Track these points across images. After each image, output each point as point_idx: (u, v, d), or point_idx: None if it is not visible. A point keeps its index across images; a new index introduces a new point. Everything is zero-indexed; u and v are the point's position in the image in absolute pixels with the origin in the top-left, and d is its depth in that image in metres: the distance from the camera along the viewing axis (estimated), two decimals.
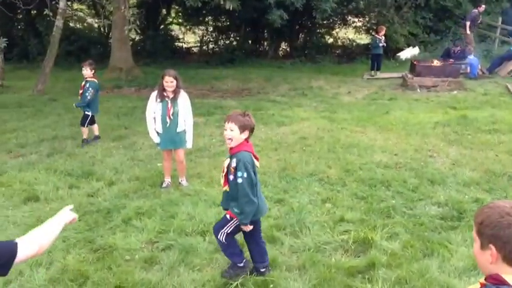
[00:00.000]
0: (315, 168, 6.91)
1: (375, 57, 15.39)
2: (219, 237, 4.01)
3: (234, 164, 3.79)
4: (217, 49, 23.17)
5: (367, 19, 21.70)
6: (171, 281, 4.08)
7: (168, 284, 4.04)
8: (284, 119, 9.90)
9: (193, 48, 24.40)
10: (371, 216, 5.34)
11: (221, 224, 4.03)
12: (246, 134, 3.82)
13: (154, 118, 6.07)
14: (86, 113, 8.34)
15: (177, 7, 22.59)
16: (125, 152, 7.92)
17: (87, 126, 8.41)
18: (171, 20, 24.12)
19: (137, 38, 22.10)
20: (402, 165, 7.02)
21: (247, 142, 3.91)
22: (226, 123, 3.83)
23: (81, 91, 8.30)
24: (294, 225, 5.07)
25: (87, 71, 8.22)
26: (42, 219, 5.30)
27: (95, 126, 8.61)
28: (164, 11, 23.19)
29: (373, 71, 15.38)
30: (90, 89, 8.17)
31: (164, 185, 6.32)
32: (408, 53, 16.44)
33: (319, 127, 9.26)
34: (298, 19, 20.33)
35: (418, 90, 12.93)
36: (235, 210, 3.85)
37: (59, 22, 13.33)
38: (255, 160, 3.90)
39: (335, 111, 10.88)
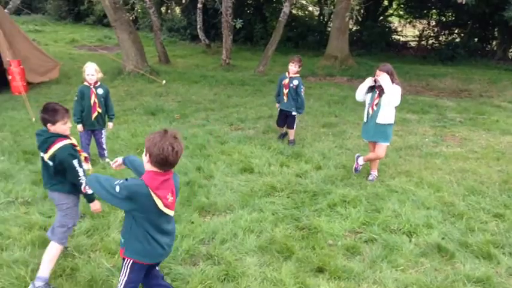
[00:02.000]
0: None
1: None
2: None
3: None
4: (437, 45, 21.91)
5: None
6: (373, 275, 4.01)
7: (369, 277, 3.99)
8: (510, 127, 8.90)
9: (410, 43, 23.51)
10: None
11: None
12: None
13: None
14: (294, 113, 7.55)
15: None
16: (334, 139, 8.03)
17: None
18: (391, 11, 23.54)
19: (354, 28, 22.15)
20: None
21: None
22: None
23: (286, 90, 7.47)
24: None
25: (295, 68, 7.39)
26: (255, 189, 5.73)
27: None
28: (386, 2, 22.74)
29: None
30: (302, 86, 7.46)
31: (370, 177, 6.23)
32: None
33: None
34: None
35: None
36: None
37: (286, 9, 14.09)
38: None
39: None
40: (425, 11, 21.87)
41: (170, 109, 9.73)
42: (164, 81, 11.59)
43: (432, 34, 22.66)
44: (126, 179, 2.89)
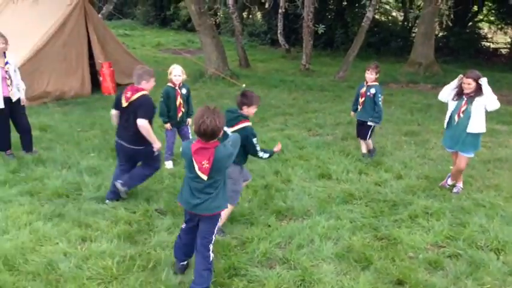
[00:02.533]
0: None
1: None
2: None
3: None
4: None
5: None
6: None
7: None
8: None
9: (501, 50, 22.20)
10: None
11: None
12: None
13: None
14: (371, 123, 7.06)
15: (491, 4, 20.79)
16: (416, 149, 7.75)
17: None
18: (481, 17, 22.39)
19: (440, 34, 21.30)
20: None
21: None
22: None
23: (362, 99, 7.07)
24: None
25: (372, 75, 6.95)
26: (333, 196, 5.66)
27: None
28: (475, 8, 21.66)
29: None
30: (380, 95, 6.95)
31: (455, 190, 5.95)
32: None
33: None
34: None
35: None
36: None
37: (369, 13, 13.83)
38: None
39: None
40: None
41: None
42: (244, 85, 11.75)
43: None
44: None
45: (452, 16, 18.22)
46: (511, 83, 14.35)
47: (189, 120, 6.79)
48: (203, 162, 3.53)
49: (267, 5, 10.22)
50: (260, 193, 5.64)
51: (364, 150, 7.29)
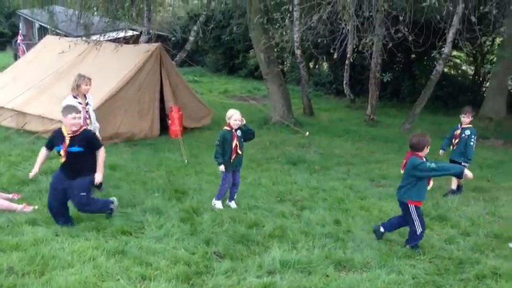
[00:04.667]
0: None
1: None
2: None
3: None
4: None
5: None
6: None
7: None
8: None
9: None
10: None
11: None
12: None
13: None
14: (464, 163, 7.50)
15: None
16: (485, 205, 7.42)
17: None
18: None
19: None
20: None
21: None
22: None
23: (455, 140, 7.86)
24: None
25: (467, 119, 7.80)
26: (395, 249, 5.50)
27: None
28: None
29: None
30: (474, 136, 7.74)
31: None
32: None
33: None
34: None
35: None
36: None
37: (439, 67, 13.69)
38: None
39: None
40: None
41: (312, 160, 9.88)
42: (307, 133, 11.85)
43: None
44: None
45: None
46: None
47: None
48: None
49: (335, 56, 10.37)
50: (323, 242, 5.58)
51: (454, 186, 7.84)
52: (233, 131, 6.64)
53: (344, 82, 19.23)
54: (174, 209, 6.53)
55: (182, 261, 4.98)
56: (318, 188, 7.91)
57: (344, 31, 9.49)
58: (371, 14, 9.08)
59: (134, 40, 17.89)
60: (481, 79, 21.31)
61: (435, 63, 13.85)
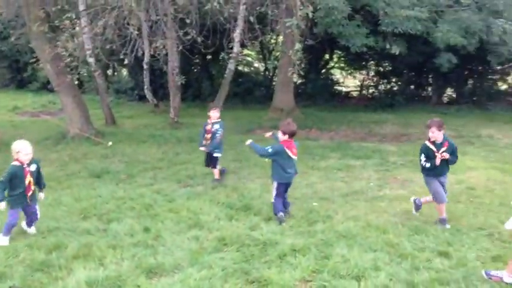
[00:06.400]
0: (484, 222, 6.35)
1: None
2: None
3: None
4: (377, 93, 22.99)
5: None
6: None
7: None
8: None
9: (352, 92, 24.50)
10: None
11: None
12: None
13: None
14: (216, 155, 8.53)
15: (339, 52, 22.98)
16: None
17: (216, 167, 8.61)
18: (333, 64, 24.58)
19: (299, 81, 22.89)
20: None
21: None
22: None
23: (208, 135, 8.49)
24: (459, 281, 4.64)
25: (216, 113, 8.53)
26: (205, 246, 5.64)
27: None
28: (327, 56, 23.75)
29: None
30: (220, 129, 8.44)
31: None
32: None
33: (489, 178, 8.55)
34: (468, 63, 19.20)
35: None
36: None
37: (231, 65, 14.46)
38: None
39: (508, 161, 9.91)
40: (364, 63, 23.00)
41: (116, 170, 9.58)
42: (110, 143, 11.43)
43: (372, 84, 23.80)
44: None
45: (304, 65, 19.76)
46: (362, 121, 15.79)
47: (41, 195, 6.17)
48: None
49: (126, 61, 10.19)
50: (133, 252, 5.43)
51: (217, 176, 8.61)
52: (24, 166, 5.80)
53: (145, 87, 19.06)
54: None
55: None
56: (125, 197, 7.69)
57: (132, 36, 9.38)
58: (158, 17, 9.15)
59: None
60: (271, 74, 23.22)
61: (227, 62, 14.60)
